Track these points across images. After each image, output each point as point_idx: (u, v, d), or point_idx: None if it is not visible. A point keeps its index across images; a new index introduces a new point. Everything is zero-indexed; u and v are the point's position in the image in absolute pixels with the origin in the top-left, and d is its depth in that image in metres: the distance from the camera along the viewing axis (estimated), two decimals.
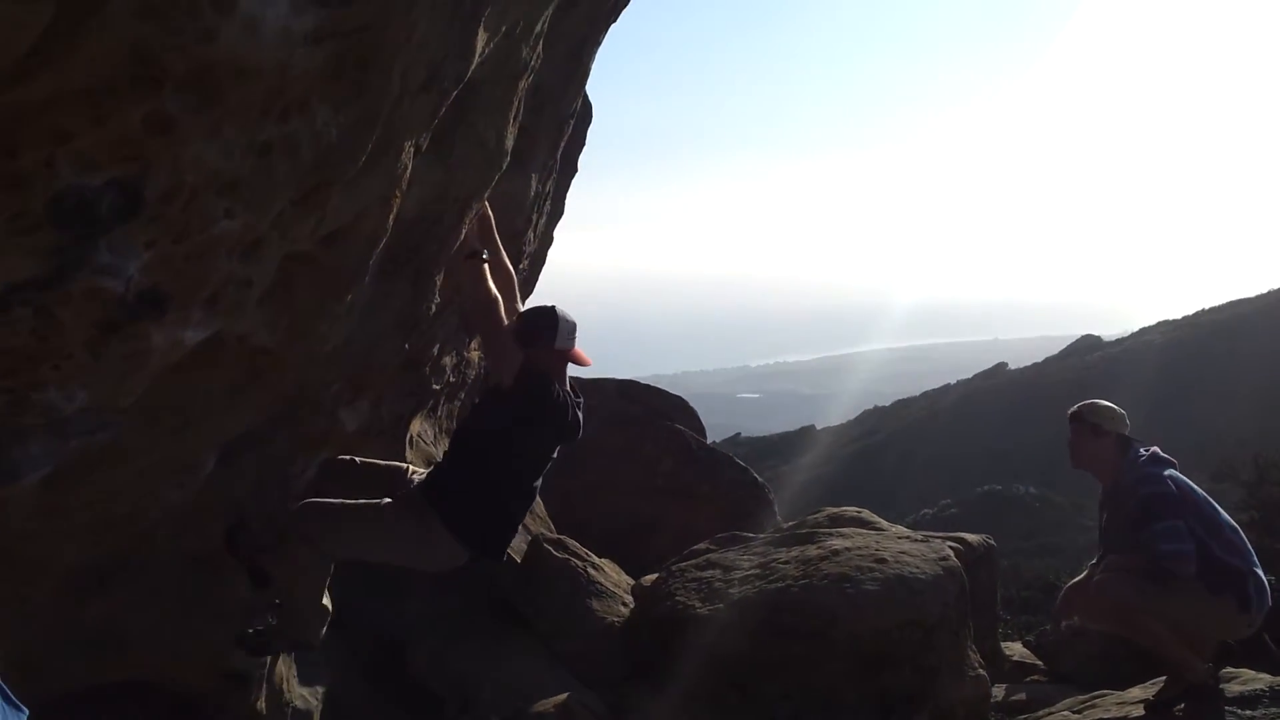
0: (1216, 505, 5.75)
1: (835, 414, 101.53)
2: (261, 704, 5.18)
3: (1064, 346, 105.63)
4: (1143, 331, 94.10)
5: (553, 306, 4.79)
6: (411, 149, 3.38)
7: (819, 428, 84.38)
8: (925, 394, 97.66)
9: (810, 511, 8.98)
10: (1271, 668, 5.98)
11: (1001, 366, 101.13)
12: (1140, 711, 5.67)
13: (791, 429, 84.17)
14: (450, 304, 4.99)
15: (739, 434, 74.09)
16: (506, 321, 4.75)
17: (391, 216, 3.48)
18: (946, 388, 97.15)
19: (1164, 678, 5.98)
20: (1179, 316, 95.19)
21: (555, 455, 4.99)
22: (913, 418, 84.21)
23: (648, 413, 13.03)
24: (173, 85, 2.22)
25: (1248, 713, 5.18)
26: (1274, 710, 5.10)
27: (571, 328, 4.78)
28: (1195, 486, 5.80)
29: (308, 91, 2.59)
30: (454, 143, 3.93)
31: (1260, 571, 5.58)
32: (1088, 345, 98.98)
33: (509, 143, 4.44)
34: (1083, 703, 6.36)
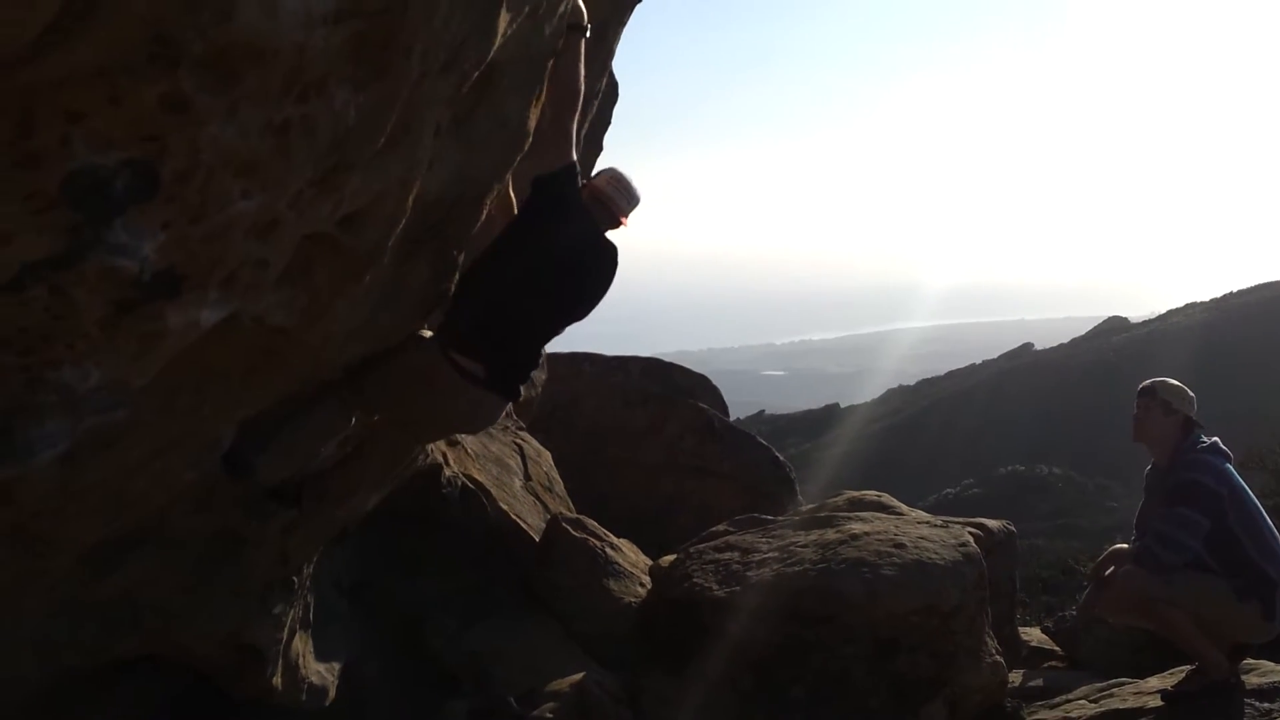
0: (1262, 510, 5.69)
1: (860, 393, 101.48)
2: (278, 679, 5.20)
3: (1090, 328, 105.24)
4: (1170, 313, 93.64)
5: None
6: (431, 130, 3.35)
7: (844, 406, 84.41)
8: (951, 374, 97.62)
9: (830, 494, 8.97)
10: None
11: (1028, 347, 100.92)
12: (1158, 702, 5.64)
13: (816, 407, 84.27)
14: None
15: (763, 411, 74.29)
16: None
17: (411, 198, 3.46)
18: (972, 368, 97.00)
19: (1183, 668, 5.96)
20: (1207, 299, 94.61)
21: (573, 298, 4.77)
22: (938, 397, 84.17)
23: (670, 390, 13.06)
24: (189, 65, 2.20)
25: (1266, 705, 5.15)
26: None
27: (619, 173, 4.78)
28: (1247, 488, 5.74)
29: (326, 72, 2.57)
30: (475, 123, 3.88)
31: None
32: (1115, 327, 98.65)
33: (531, 123, 4.40)
34: (1100, 691, 6.34)
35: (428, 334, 4.65)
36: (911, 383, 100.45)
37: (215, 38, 2.20)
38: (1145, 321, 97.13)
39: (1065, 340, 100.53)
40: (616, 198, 4.72)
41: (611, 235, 4.80)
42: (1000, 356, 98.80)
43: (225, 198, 2.53)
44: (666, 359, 14.36)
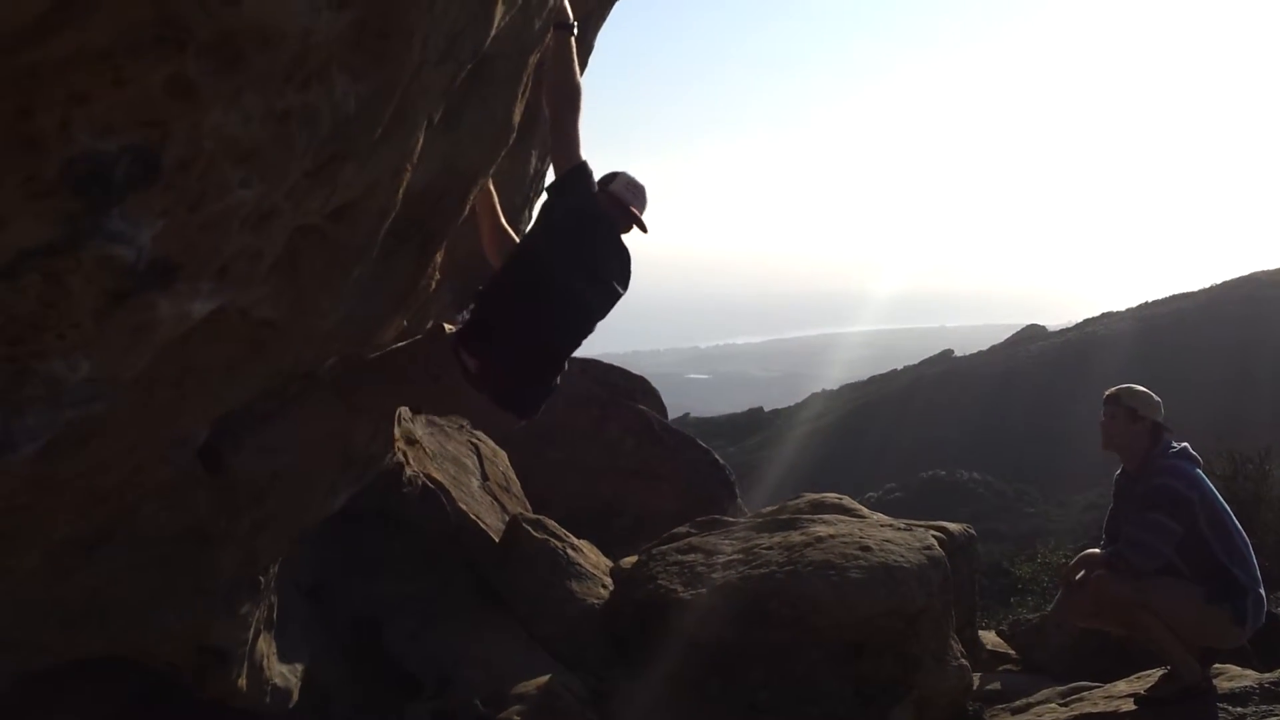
0: (1232, 515, 5.75)
1: (783, 397, 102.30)
2: (242, 681, 5.10)
3: (1007, 335, 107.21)
4: (1086, 322, 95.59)
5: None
6: (424, 121, 3.31)
7: (767, 410, 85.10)
8: (873, 379, 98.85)
9: (765, 498, 9.03)
10: (1257, 665, 6.04)
11: (948, 354, 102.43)
12: (1130, 706, 5.69)
13: (740, 411, 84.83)
14: (447, 278, 4.89)
15: (688, 414, 74.61)
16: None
17: (401, 190, 3.41)
18: (894, 373, 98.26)
19: (1148, 671, 6.02)
20: (1123, 309, 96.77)
21: (595, 301, 4.67)
22: (861, 402, 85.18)
23: (612, 392, 13.05)
24: (196, 49, 2.13)
25: (1239, 709, 5.20)
26: (1264, 708, 5.12)
27: (633, 179, 4.70)
28: (1216, 493, 5.80)
29: (329, 59, 2.52)
30: (464, 116, 3.85)
31: (1262, 591, 5.61)
32: (1032, 335, 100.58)
33: (516, 118, 4.36)
34: (1066, 695, 6.38)
35: (449, 328, 4.56)
36: (834, 387, 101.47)
37: (223, 20, 2.15)
38: (1062, 330, 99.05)
39: (984, 347, 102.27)
40: (634, 201, 4.65)
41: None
42: (921, 362, 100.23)
43: (224, 186, 2.46)
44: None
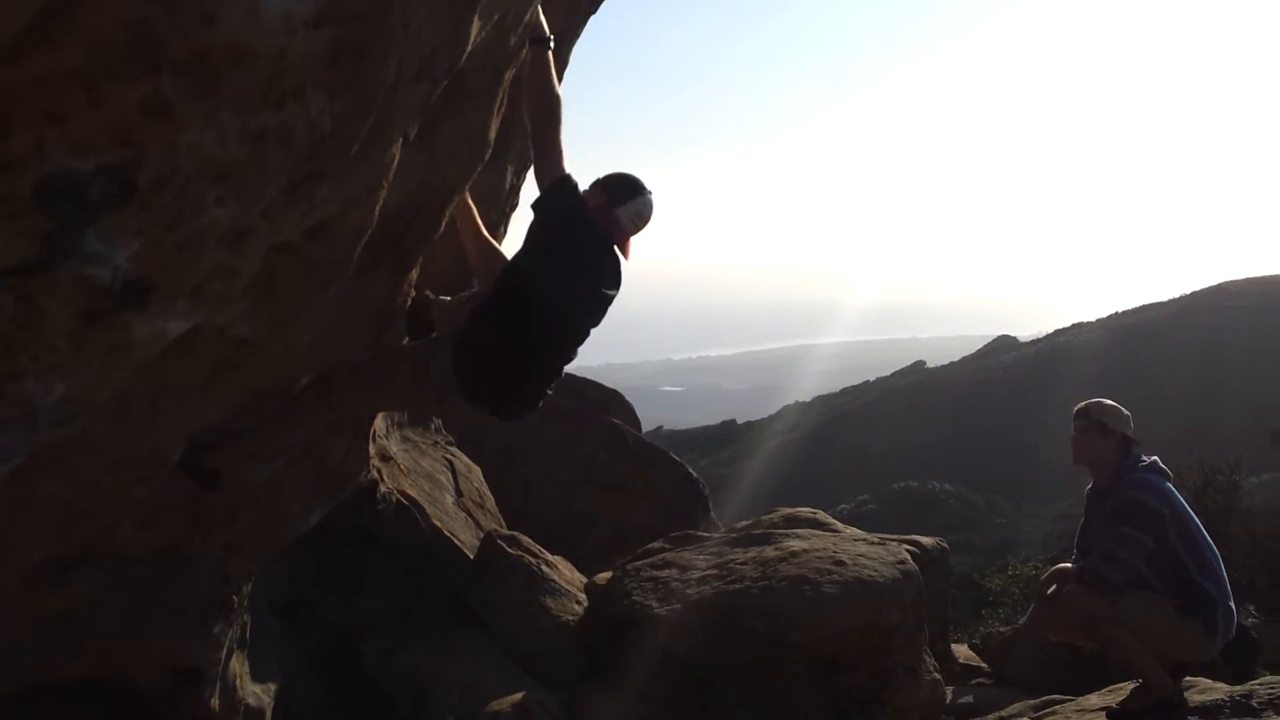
0: (1202, 528, 5.78)
1: (756, 409, 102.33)
2: (215, 701, 5.07)
3: (979, 345, 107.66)
4: (1057, 333, 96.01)
5: (643, 183, 4.62)
6: (400, 139, 3.30)
7: (740, 422, 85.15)
8: (845, 390, 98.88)
9: (738, 510, 9.04)
10: (1228, 678, 6.07)
11: (920, 365, 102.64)
12: (1102, 719, 5.71)
13: (713, 423, 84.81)
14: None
15: (661, 427, 74.45)
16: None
17: (378, 207, 3.41)
18: (866, 385, 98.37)
19: (1119, 684, 6.04)
20: (1093, 319, 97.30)
21: (592, 313, 4.66)
22: (833, 414, 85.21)
23: (585, 406, 13.04)
24: (171, 69, 2.13)
25: None
26: None
27: (646, 210, 4.59)
28: (1187, 507, 5.83)
29: (304, 78, 2.51)
30: (439, 133, 3.85)
31: (1232, 604, 5.64)
32: (1004, 345, 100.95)
33: (492, 134, 4.36)
34: (1039, 708, 6.40)
35: (444, 335, 4.56)
36: (807, 399, 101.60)
37: (199, 39, 2.15)
38: (1034, 341, 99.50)
39: (956, 358, 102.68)
40: (631, 230, 4.60)
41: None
42: (893, 374, 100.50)
43: (200, 205, 2.46)
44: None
